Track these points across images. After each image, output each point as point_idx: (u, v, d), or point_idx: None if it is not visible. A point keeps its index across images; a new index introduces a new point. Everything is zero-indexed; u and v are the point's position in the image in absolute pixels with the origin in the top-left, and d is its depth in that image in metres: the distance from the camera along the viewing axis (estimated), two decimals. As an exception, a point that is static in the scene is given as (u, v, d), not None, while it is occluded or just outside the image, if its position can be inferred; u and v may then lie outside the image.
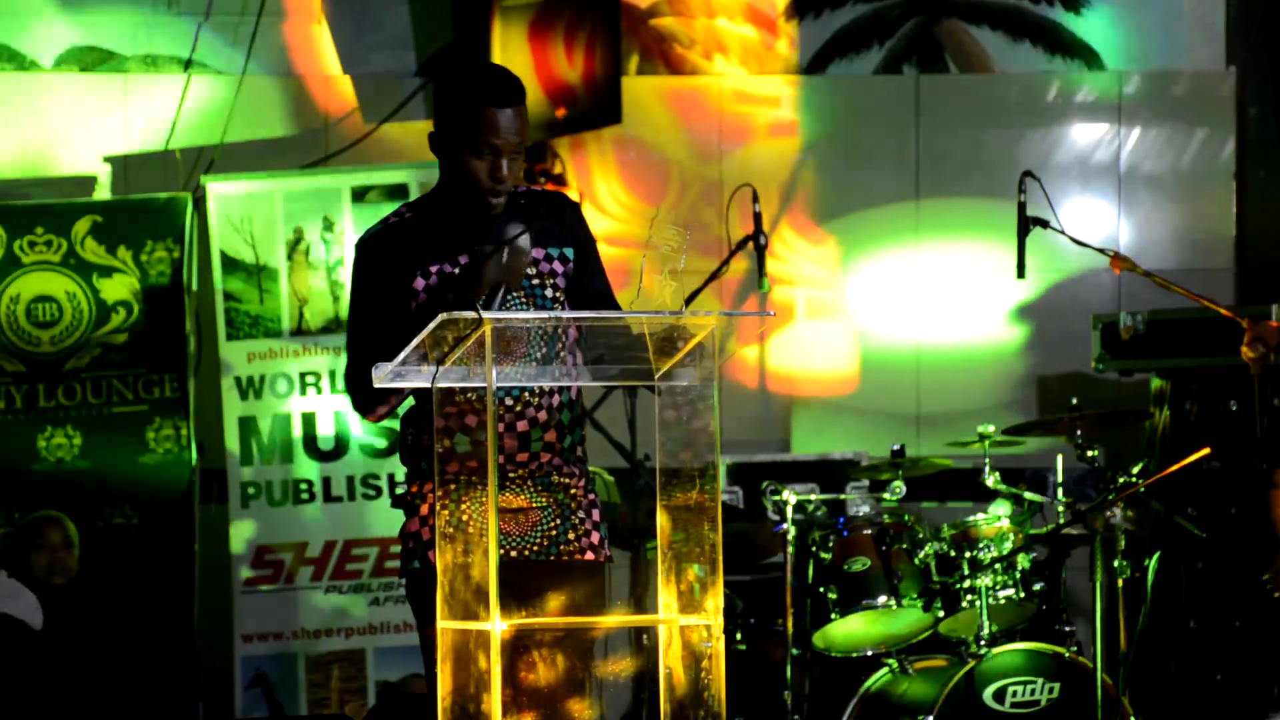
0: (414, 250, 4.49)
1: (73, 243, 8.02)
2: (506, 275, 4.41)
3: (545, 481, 4.54)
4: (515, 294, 4.50)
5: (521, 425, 4.49)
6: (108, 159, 8.54)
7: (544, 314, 4.42)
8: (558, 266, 4.56)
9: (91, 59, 8.57)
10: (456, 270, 4.47)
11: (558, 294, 4.54)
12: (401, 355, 4.18)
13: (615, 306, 4.59)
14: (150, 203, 8.11)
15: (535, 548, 4.52)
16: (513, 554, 4.49)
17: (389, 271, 4.49)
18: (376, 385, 4.29)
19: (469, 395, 4.34)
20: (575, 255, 4.59)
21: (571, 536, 4.55)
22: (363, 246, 4.55)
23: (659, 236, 4.21)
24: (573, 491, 4.57)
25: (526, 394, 4.48)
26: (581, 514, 4.57)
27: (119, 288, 8.01)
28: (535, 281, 4.52)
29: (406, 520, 4.56)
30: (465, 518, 4.34)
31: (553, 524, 4.54)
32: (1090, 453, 6.83)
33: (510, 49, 8.12)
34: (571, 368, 4.46)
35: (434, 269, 4.48)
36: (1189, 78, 8.78)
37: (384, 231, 4.54)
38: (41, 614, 7.21)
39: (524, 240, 4.41)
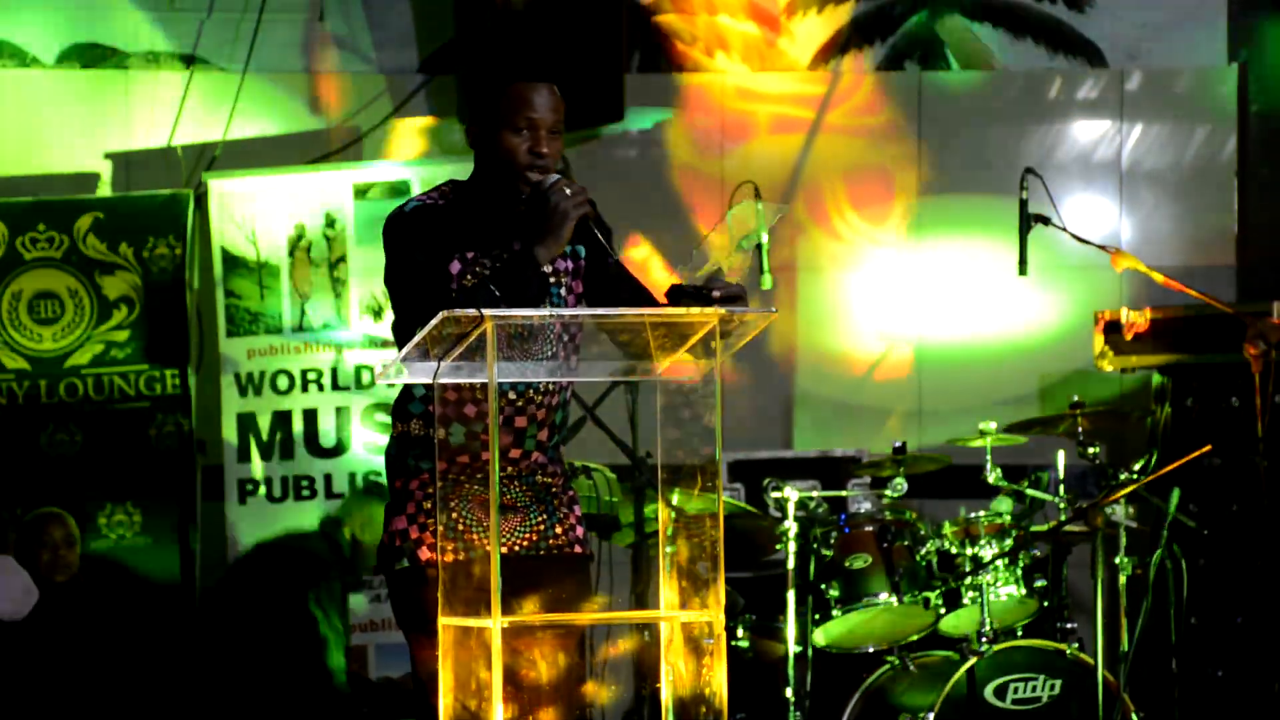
0: (451, 234, 4.47)
1: (74, 239, 8.02)
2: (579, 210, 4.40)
3: (530, 480, 4.54)
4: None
5: (520, 421, 4.49)
6: (109, 156, 8.54)
7: (546, 310, 4.41)
8: (569, 264, 4.56)
9: (93, 56, 8.57)
10: (491, 265, 4.45)
11: (569, 294, 4.54)
12: (407, 348, 4.18)
13: (637, 286, 4.58)
14: (152, 199, 8.12)
15: (525, 542, 4.53)
16: (503, 549, 4.48)
17: (424, 248, 4.46)
18: (381, 381, 4.30)
19: (472, 385, 4.33)
20: (587, 252, 4.59)
21: (559, 530, 4.56)
22: (402, 218, 4.49)
23: (738, 216, 4.24)
24: (554, 489, 4.57)
25: (531, 390, 4.47)
26: (565, 510, 4.58)
27: (121, 284, 8.02)
28: (551, 280, 4.52)
29: (392, 517, 4.53)
30: (456, 515, 4.34)
31: (539, 518, 4.55)
32: (1091, 449, 6.83)
33: (511, 46, 8.11)
34: (575, 364, 4.46)
35: (470, 255, 4.46)
36: (1191, 75, 8.78)
37: (422, 210, 4.50)
38: (35, 597, 7.20)
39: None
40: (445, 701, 4.15)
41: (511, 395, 4.46)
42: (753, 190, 7.28)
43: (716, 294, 4.28)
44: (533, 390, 4.47)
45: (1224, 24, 8.79)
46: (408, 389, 4.52)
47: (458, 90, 8.48)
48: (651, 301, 4.54)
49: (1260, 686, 7.11)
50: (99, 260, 8.02)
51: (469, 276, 4.43)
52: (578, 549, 4.58)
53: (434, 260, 4.43)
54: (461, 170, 4.66)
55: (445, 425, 4.37)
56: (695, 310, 4.24)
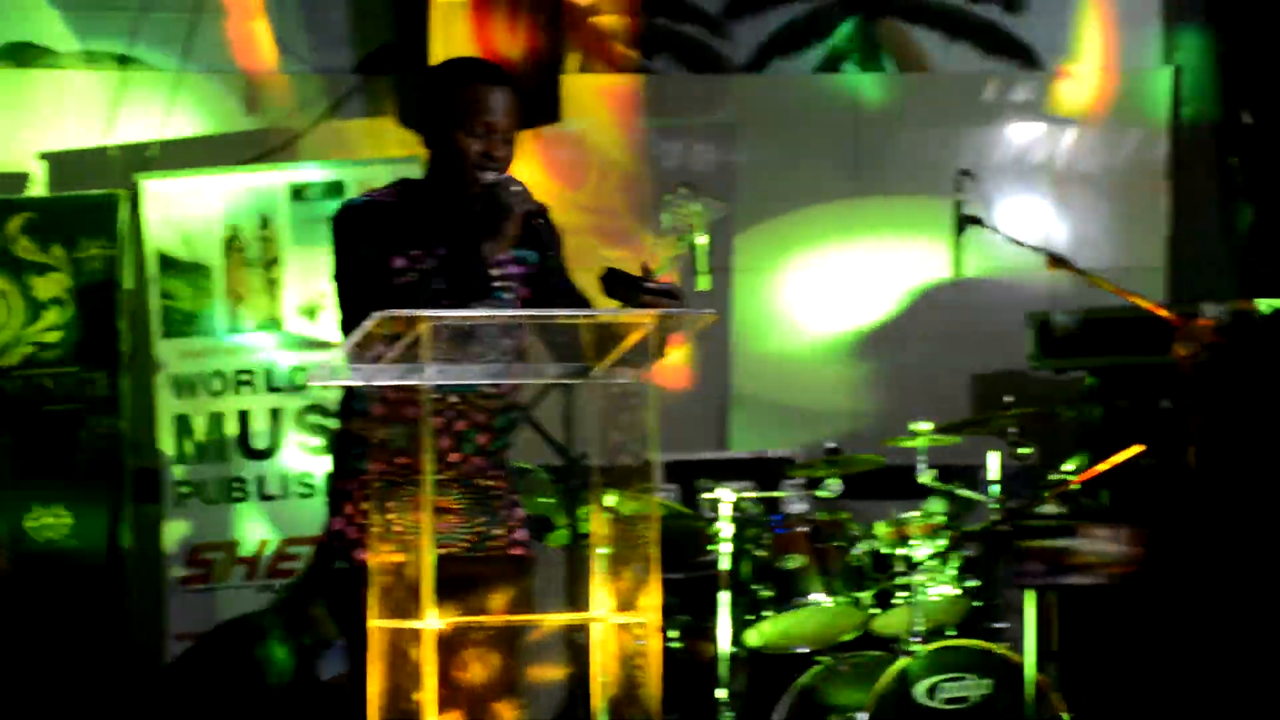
0: (395, 231, 4.47)
1: (5, 240, 7.96)
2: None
3: (469, 484, 4.54)
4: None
5: (460, 424, 4.49)
6: (42, 155, 8.49)
7: (481, 311, 4.42)
8: (519, 269, 4.56)
9: (26, 55, 8.52)
10: (435, 261, 4.45)
11: (516, 299, 4.55)
12: (343, 347, 4.18)
13: (581, 301, 4.59)
14: (85, 200, 8.07)
15: (464, 544, 4.53)
16: (439, 550, 4.49)
17: (371, 243, 4.46)
18: (313, 383, 4.30)
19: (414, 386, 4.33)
20: (538, 258, 4.59)
21: (499, 532, 4.56)
22: (347, 214, 4.50)
23: (676, 211, 4.25)
24: (495, 492, 4.57)
25: (473, 394, 4.47)
26: (505, 511, 4.58)
27: (52, 285, 7.97)
28: (499, 283, 4.52)
29: (330, 517, 4.53)
30: (392, 516, 4.34)
31: (479, 521, 4.55)
32: (1024, 450, 6.86)
33: (450, 48, 8.10)
34: (518, 369, 4.47)
35: (415, 253, 4.46)
36: (1124, 78, 8.84)
37: (368, 206, 4.51)
38: None
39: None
40: (376, 704, 4.15)
41: (453, 398, 4.46)
42: (689, 192, 7.28)
43: (650, 284, 4.31)
44: (474, 394, 4.48)
45: (1157, 28, 8.85)
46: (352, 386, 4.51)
47: (395, 91, 8.47)
48: (588, 303, 4.56)
49: (1184, 686, 7.16)
50: (30, 261, 7.96)
51: (411, 274, 4.43)
52: (517, 551, 4.58)
53: (379, 256, 4.44)
54: (399, 171, 4.67)
55: (385, 425, 4.37)
56: (632, 312, 4.25)
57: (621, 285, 4.34)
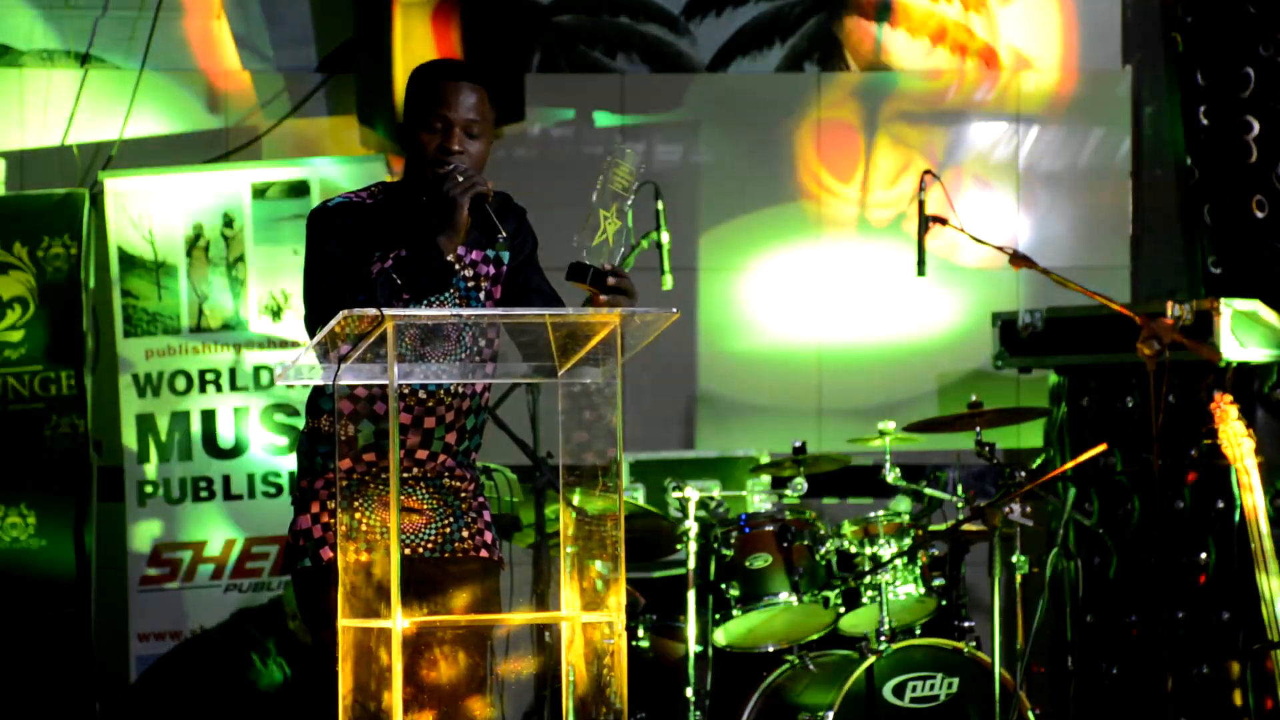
0: (368, 232, 4.47)
1: (-33, 239, 7.94)
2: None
3: (436, 484, 4.53)
4: (450, 291, 4.50)
5: (429, 422, 4.49)
6: (3, 154, 8.45)
7: (446, 311, 4.42)
8: (491, 269, 4.56)
9: (-13, 53, 8.49)
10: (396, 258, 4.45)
11: (488, 299, 4.55)
12: (308, 346, 4.17)
13: (556, 302, 4.60)
14: (47, 199, 8.03)
15: (430, 545, 4.52)
16: (406, 551, 4.48)
17: (343, 242, 4.46)
18: (280, 382, 4.29)
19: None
20: (511, 258, 4.60)
21: (465, 534, 4.56)
22: (323, 213, 4.50)
23: (616, 175, 4.25)
24: (463, 494, 4.57)
25: (441, 391, 4.47)
26: (473, 514, 4.58)
27: (15, 285, 7.93)
28: (470, 284, 4.52)
29: (297, 516, 4.53)
30: (359, 515, 4.33)
31: (445, 522, 4.54)
32: (989, 449, 6.88)
33: (412, 46, 8.09)
34: (490, 369, 4.47)
35: (388, 253, 4.46)
36: (1086, 77, 8.86)
37: (345, 206, 4.50)
38: None
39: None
40: (345, 703, 4.14)
41: (422, 395, 4.46)
42: (653, 190, 7.28)
43: (611, 281, 4.33)
44: (443, 391, 4.48)
45: (1118, 27, 8.88)
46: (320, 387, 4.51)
47: (357, 89, 8.46)
48: (560, 305, 4.57)
49: (1152, 684, 7.19)
50: (-8, 259, 7.94)
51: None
52: (483, 553, 4.58)
53: (350, 256, 4.44)
54: (362, 169, 4.66)
55: (354, 422, 4.37)
56: (597, 312, 4.25)
57: (582, 277, 4.36)
